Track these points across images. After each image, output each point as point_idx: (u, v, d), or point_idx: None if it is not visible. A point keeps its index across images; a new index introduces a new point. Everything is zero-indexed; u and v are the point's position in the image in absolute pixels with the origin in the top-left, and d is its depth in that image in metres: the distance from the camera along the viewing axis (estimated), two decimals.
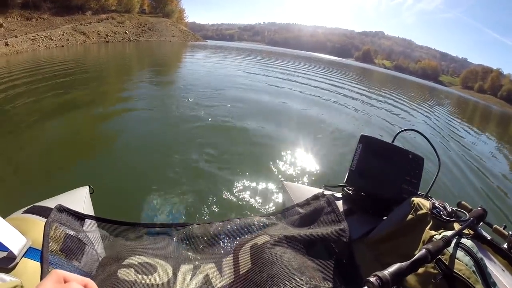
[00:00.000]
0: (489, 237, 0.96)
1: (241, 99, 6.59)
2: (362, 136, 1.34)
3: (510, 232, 0.96)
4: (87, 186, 1.40)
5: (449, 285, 0.73)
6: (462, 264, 0.73)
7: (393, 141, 1.38)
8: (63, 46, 17.00)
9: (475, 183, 4.37)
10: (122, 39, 25.91)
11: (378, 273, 0.58)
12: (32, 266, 0.83)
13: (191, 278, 1.01)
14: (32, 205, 1.08)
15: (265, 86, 9.45)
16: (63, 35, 18.55)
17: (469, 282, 0.69)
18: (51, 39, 16.74)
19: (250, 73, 12.55)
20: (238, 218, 1.34)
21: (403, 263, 0.62)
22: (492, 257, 0.91)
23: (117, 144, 3.60)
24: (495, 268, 0.84)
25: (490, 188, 4.34)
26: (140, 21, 32.22)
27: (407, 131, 1.55)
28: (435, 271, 0.76)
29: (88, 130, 4.08)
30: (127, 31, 27.75)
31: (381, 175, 1.25)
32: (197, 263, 1.09)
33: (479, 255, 0.76)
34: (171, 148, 3.49)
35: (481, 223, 1.01)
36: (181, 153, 3.33)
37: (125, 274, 0.94)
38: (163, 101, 5.91)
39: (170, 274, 1.00)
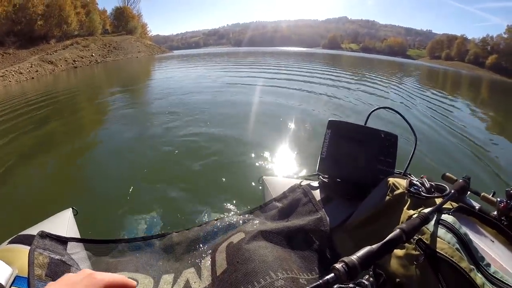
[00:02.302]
0: (477, 207, 0.90)
1: (211, 102, 6.81)
2: (330, 122, 1.31)
3: (499, 199, 0.91)
4: (71, 208, 1.40)
5: (432, 266, 0.69)
6: (444, 242, 0.69)
7: (366, 122, 1.36)
8: (33, 78, 17.03)
9: (459, 152, 4.36)
10: (90, 62, 25.84)
11: (345, 258, 0.54)
12: None
13: (172, 287, 1.02)
14: (16, 235, 1.09)
15: (231, 85, 9.72)
16: (31, 67, 18.56)
17: (453, 261, 0.65)
18: (21, 73, 16.79)
19: (216, 73, 13.17)
20: (216, 220, 1.33)
21: (373, 246, 0.59)
22: (481, 229, 0.84)
23: (96, 166, 3.76)
24: (483, 241, 0.79)
25: (475, 155, 4.31)
26: (104, 42, 32.04)
27: (380, 109, 1.45)
28: (417, 253, 0.72)
29: (68, 154, 4.24)
30: (93, 54, 27.66)
31: (353, 159, 1.23)
32: (178, 271, 1.09)
33: (462, 230, 0.72)
34: (147, 162, 3.61)
35: (468, 192, 0.96)
36: (158, 164, 3.43)
37: None
38: (137, 120, 5.92)
39: (151, 286, 1.01)
